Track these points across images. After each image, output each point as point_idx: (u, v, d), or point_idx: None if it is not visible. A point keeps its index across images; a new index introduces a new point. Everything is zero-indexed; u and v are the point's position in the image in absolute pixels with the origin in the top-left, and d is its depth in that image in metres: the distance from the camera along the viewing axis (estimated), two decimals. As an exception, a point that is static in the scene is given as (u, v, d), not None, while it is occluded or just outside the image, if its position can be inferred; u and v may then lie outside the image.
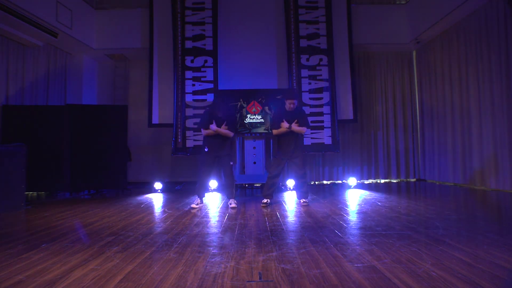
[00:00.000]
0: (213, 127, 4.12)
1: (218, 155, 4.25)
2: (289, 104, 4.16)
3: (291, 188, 6.08)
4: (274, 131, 4.27)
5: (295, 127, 4.13)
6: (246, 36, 7.33)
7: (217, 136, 4.18)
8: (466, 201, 4.59)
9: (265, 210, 3.97)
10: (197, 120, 6.16)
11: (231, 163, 4.31)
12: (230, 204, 4.24)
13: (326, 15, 7.19)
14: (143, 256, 2.17)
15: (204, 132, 4.22)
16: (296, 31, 7.14)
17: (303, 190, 4.37)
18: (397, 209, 3.91)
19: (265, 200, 4.36)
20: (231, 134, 4.21)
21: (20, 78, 6.10)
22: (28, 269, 1.95)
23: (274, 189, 4.42)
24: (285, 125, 4.12)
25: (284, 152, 4.26)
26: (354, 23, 7.41)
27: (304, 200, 4.35)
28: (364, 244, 2.37)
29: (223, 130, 4.15)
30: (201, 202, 4.31)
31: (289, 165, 4.45)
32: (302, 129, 4.17)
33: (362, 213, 3.69)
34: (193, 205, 4.18)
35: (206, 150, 4.23)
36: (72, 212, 4.05)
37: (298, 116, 4.21)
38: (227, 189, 4.35)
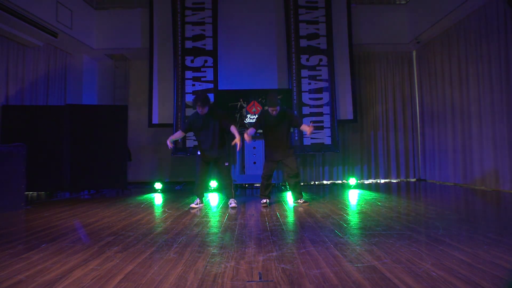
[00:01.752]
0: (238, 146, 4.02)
1: (213, 156, 4.21)
2: (271, 111, 4.18)
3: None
4: (248, 131, 4.22)
5: (309, 130, 3.98)
6: (246, 36, 7.33)
7: (205, 141, 4.15)
8: (466, 201, 4.59)
9: (265, 210, 3.97)
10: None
11: (226, 163, 4.27)
12: (230, 204, 4.24)
13: (326, 15, 7.19)
14: (143, 256, 2.17)
15: (175, 133, 4.29)
16: (296, 31, 7.14)
17: (296, 190, 4.35)
18: (397, 209, 3.91)
19: (264, 200, 4.36)
20: (235, 128, 4.10)
21: (20, 78, 6.10)
22: (28, 269, 1.95)
23: (270, 189, 4.46)
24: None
25: (274, 154, 4.27)
26: (354, 23, 7.41)
27: (302, 200, 4.34)
28: (364, 244, 2.37)
29: (236, 134, 4.01)
30: (201, 202, 4.30)
31: (281, 166, 4.46)
32: (310, 129, 3.98)
33: (362, 213, 3.69)
34: (193, 205, 4.18)
35: (198, 153, 4.24)
36: (72, 212, 4.05)
37: (283, 118, 4.20)
38: (225, 190, 4.36)
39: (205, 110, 4.10)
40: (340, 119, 7.18)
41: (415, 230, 2.79)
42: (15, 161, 4.28)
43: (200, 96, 4.06)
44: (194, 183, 4.43)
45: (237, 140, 3.99)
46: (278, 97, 4.28)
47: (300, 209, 4.03)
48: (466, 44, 6.14)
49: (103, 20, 7.43)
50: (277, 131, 4.23)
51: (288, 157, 4.25)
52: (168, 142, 4.19)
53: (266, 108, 4.33)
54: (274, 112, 4.17)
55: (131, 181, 7.18)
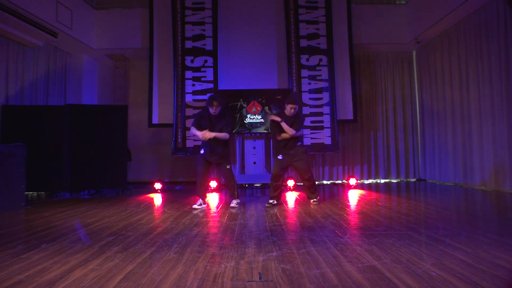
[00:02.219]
0: (202, 134, 3.97)
1: (214, 160, 4.18)
2: (290, 109, 4.10)
3: (292, 188, 6.08)
4: (278, 137, 4.21)
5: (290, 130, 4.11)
6: (246, 36, 7.33)
7: (210, 141, 4.08)
8: (466, 201, 4.59)
9: (265, 210, 3.97)
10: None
11: (228, 166, 4.25)
12: (232, 203, 4.26)
13: (326, 15, 7.19)
14: (143, 256, 2.17)
15: (193, 131, 4.12)
16: (296, 31, 7.14)
17: (311, 191, 4.36)
18: (397, 209, 3.91)
19: (270, 201, 4.33)
20: (227, 136, 4.09)
21: (20, 78, 6.09)
22: (28, 269, 1.95)
23: (279, 192, 4.38)
24: (285, 127, 4.08)
25: (283, 155, 4.24)
26: (354, 23, 7.41)
27: (313, 200, 4.37)
28: (364, 244, 2.37)
29: (218, 134, 4.01)
30: (203, 202, 4.27)
31: (292, 168, 4.43)
32: (295, 132, 4.14)
33: (362, 213, 3.69)
34: (195, 206, 4.16)
35: (202, 152, 4.17)
36: (72, 212, 4.05)
37: (295, 119, 4.17)
38: (229, 190, 4.40)
39: (218, 111, 4.07)
40: (340, 119, 7.17)
41: (415, 230, 2.79)
42: (15, 161, 4.28)
43: (217, 96, 4.05)
44: (194, 183, 4.42)
45: (207, 134, 3.94)
46: (278, 97, 4.25)
47: (300, 209, 4.03)
48: (466, 44, 6.14)
49: (103, 20, 7.42)
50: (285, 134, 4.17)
51: (298, 160, 4.20)
52: (203, 133, 3.98)
53: (274, 112, 4.21)
54: (292, 111, 4.10)
55: (131, 181, 7.18)
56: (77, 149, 5.73)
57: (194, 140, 6.83)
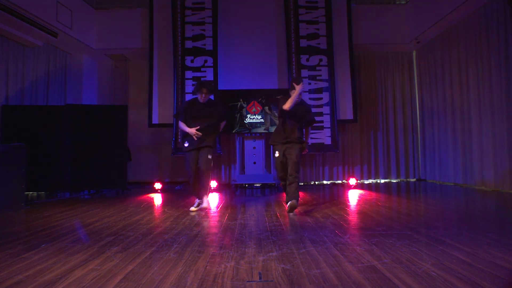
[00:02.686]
0: (192, 131, 3.80)
1: (198, 148, 3.89)
2: (298, 89, 3.65)
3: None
4: (286, 106, 3.71)
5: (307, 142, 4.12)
6: (246, 36, 7.33)
7: (200, 130, 3.83)
8: (466, 201, 4.59)
9: (265, 210, 3.96)
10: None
11: (210, 156, 3.85)
12: (203, 203, 3.95)
13: (326, 15, 7.19)
14: (143, 256, 2.17)
15: (181, 125, 3.93)
16: (296, 31, 7.14)
17: (288, 190, 3.76)
18: (397, 209, 3.91)
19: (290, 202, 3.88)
20: (224, 122, 4.14)
21: (20, 78, 6.09)
22: (28, 269, 1.95)
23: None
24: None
25: (286, 137, 3.84)
26: (354, 23, 7.41)
27: (291, 201, 3.67)
28: (364, 244, 2.37)
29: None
30: (202, 202, 4.00)
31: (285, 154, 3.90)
32: (310, 128, 4.23)
33: (362, 213, 3.69)
34: (192, 208, 3.95)
35: (186, 145, 3.90)
36: (72, 212, 4.05)
37: (304, 111, 3.93)
38: (201, 184, 3.94)
39: (206, 98, 3.93)
40: (340, 119, 7.17)
41: (415, 230, 2.79)
42: (15, 161, 4.28)
43: (207, 84, 3.90)
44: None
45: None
46: (278, 97, 4.16)
47: (301, 209, 4.02)
48: (466, 44, 6.14)
49: (103, 20, 7.42)
50: (291, 120, 3.86)
51: (297, 143, 3.83)
52: (194, 130, 3.82)
53: (279, 96, 4.04)
54: (300, 94, 3.82)
55: (131, 181, 7.17)
56: (77, 149, 5.73)
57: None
